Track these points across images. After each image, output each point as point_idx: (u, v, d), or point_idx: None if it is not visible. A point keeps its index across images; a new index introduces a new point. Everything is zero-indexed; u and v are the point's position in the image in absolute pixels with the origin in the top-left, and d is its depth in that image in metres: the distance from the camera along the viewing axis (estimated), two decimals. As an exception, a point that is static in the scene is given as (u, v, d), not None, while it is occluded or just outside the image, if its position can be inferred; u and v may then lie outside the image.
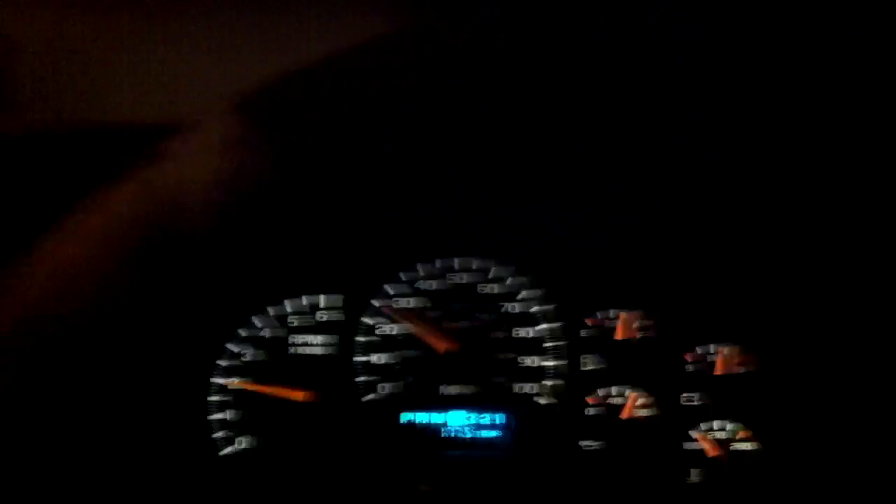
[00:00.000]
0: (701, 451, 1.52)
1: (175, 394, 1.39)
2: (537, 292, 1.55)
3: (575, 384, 1.53)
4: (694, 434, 1.53)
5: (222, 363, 1.42)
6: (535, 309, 1.55)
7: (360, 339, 1.48)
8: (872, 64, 1.16)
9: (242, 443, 1.39)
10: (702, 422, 1.55)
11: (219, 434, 1.39)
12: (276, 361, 1.45)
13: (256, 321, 1.46)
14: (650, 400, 1.54)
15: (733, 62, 1.21)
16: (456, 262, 1.57)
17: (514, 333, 1.54)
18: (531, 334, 1.54)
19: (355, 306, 1.50)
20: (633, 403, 1.52)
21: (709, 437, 1.53)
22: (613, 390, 1.54)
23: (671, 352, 1.58)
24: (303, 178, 1.44)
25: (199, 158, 1.30)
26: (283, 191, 1.46)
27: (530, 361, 1.53)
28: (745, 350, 1.61)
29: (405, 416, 1.46)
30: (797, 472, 1.53)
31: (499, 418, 1.49)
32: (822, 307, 1.56)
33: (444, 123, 1.37)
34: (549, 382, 1.52)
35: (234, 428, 1.40)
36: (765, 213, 1.52)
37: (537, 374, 1.53)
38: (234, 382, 1.41)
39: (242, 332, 1.44)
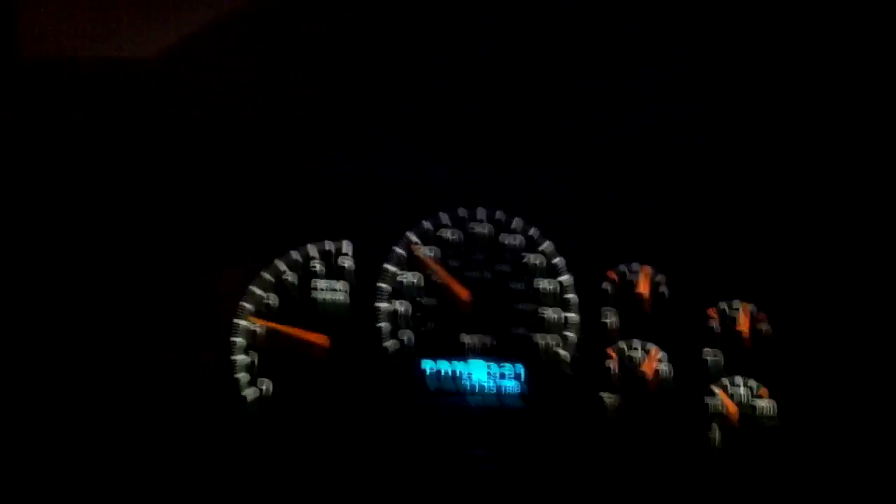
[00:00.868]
0: (720, 408, 1.52)
1: (199, 334, 1.38)
2: (558, 244, 1.55)
3: (595, 337, 1.53)
4: (715, 389, 1.52)
5: (246, 305, 1.42)
6: (556, 260, 1.55)
7: (381, 285, 1.48)
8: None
9: (264, 385, 1.39)
10: (722, 378, 1.54)
11: (241, 375, 1.39)
12: (298, 306, 1.45)
13: (279, 264, 1.46)
14: (670, 354, 1.53)
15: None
16: (478, 212, 1.56)
17: (534, 285, 1.54)
18: (551, 286, 1.54)
19: (377, 252, 1.49)
20: (655, 357, 1.52)
21: (728, 393, 1.53)
22: (634, 343, 1.53)
23: (693, 306, 1.58)
24: (325, 124, 1.44)
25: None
26: (308, 137, 1.46)
27: (551, 313, 1.52)
28: (764, 308, 1.61)
29: (425, 364, 1.46)
30: (814, 432, 1.52)
31: (518, 369, 1.48)
32: (845, 265, 1.56)
33: (474, 75, 1.36)
34: (569, 334, 1.52)
35: (256, 371, 1.40)
36: (789, 170, 1.51)
37: (558, 325, 1.52)
38: (256, 323, 1.41)
39: (265, 275, 1.44)
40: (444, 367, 1.46)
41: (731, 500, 1.44)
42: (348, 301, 1.47)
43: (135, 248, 1.38)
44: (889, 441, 1.45)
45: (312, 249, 1.48)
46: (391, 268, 1.49)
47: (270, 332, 1.40)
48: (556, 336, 1.51)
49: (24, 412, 1.23)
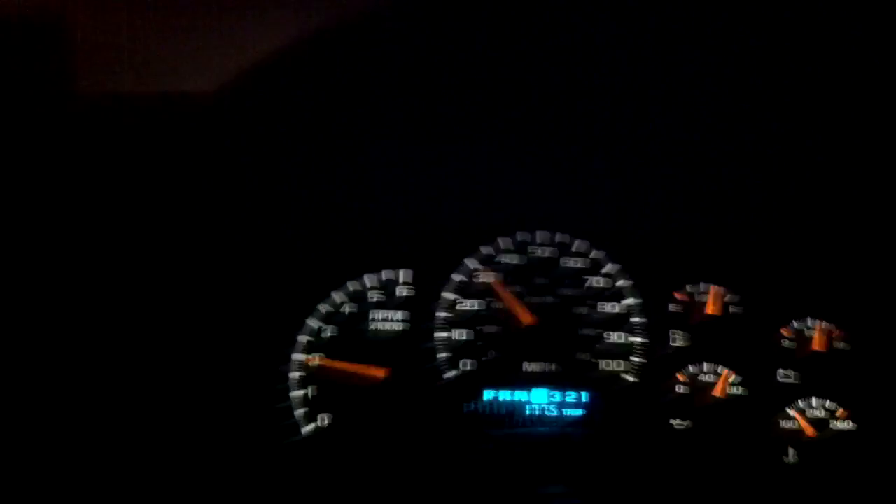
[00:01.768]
0: (797, 431, 1.45)
1: (256, 369, 1.37)
2: (622, 266, 1.49)
3: (663, 361, 1.47)
4: (791, 412, 1.46)
5: (302, 339, 1.39)
6: (620, 283, 1.49)
7: (440, 314, 1.44)
8: None
9: (324, 420, 1.36)
10: (798, 400, 1.47)
11: (299, 411, 1.37)
12: (355, 338, 1.42)
13: (336, 296, 1.42)
14: (742, 378, 1.47)
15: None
16: (537, 236, 1.51)
17: (598, 309, 1.48)
18: (616, 309, 1.48)
19: (435, 281, 1.45)
20: (726, 381, 1.45)
21: (805, 416, 1.46)
22: (704, 367, 1.47)
23: (764, 327, 1.51)
24: (381, 152, 1.40)
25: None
26: (364, 167, 1.42)
27: (616, 337, 1.47)
28: (840, 326, 1.53)
29: (488, 394, 1.42)
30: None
31: (584, 396, 1.43)
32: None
33: (532, 99, 1.31)
34: (636, 359, 1.46)
35: (314, 405, 1.38)
36: (859, 186, 1.43)
37: (623, 350, 1.46)
38: (313, 359, 1.39)
39: (322, 308, 1.41)
40: (506, 396, 1.42)
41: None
42: (407, 331, 1.43)
43: (193, 282, 1.36)
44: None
45: (370, 280, 1.45)
46: (450, 296, 1.45)
47: (327, 367, 1.38)
48: (621, 361, 1.46)
49: (81, 446, 1.23)
